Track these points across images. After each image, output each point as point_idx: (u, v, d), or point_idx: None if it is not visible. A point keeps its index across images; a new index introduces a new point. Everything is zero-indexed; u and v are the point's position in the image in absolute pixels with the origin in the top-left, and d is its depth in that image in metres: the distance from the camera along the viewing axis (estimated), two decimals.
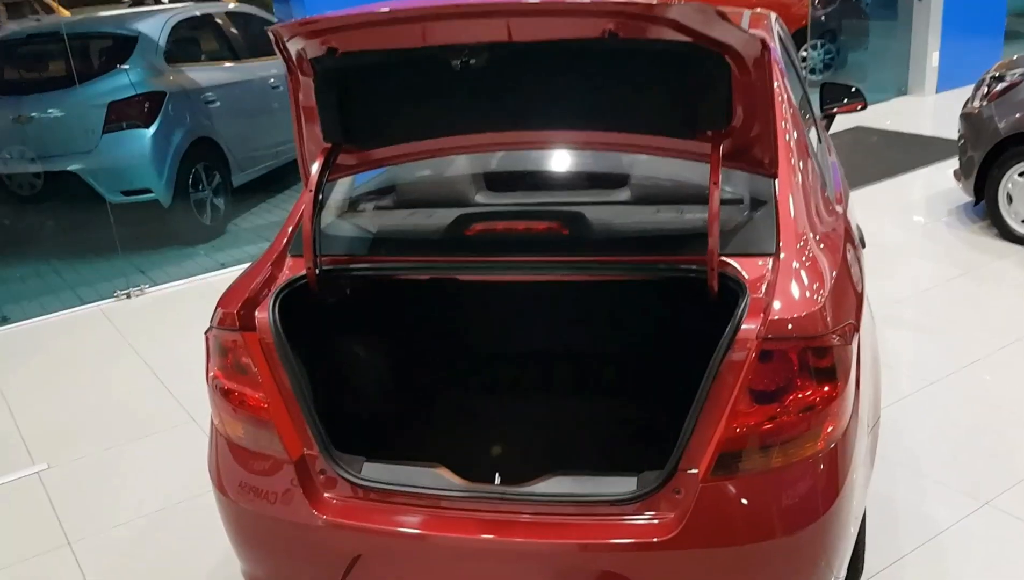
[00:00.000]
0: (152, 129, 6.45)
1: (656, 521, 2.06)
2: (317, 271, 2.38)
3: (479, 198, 2.76)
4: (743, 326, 2.00)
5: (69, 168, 6.48)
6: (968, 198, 5.97)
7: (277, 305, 2.29)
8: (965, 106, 5.97)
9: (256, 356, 2.27)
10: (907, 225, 6.18)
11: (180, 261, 6.50)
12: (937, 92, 10.09)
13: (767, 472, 2.02)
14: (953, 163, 6.19)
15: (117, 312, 5.69)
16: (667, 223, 2.45)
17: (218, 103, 7.04)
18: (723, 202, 2.24)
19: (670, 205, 2.55)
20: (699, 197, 2.47)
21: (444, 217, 2.56)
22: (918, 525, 3.10)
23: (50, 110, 6.53)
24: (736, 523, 2.03)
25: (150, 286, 5.97)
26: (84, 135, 6.42)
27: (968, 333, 4.50)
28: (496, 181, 2.87)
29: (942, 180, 6.75)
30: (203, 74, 7.14)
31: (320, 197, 2.40)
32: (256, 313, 2.30)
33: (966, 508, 3.17)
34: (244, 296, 2.33)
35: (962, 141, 5.86)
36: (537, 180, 2.96)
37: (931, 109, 9.66)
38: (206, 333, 2.38)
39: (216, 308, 2.35)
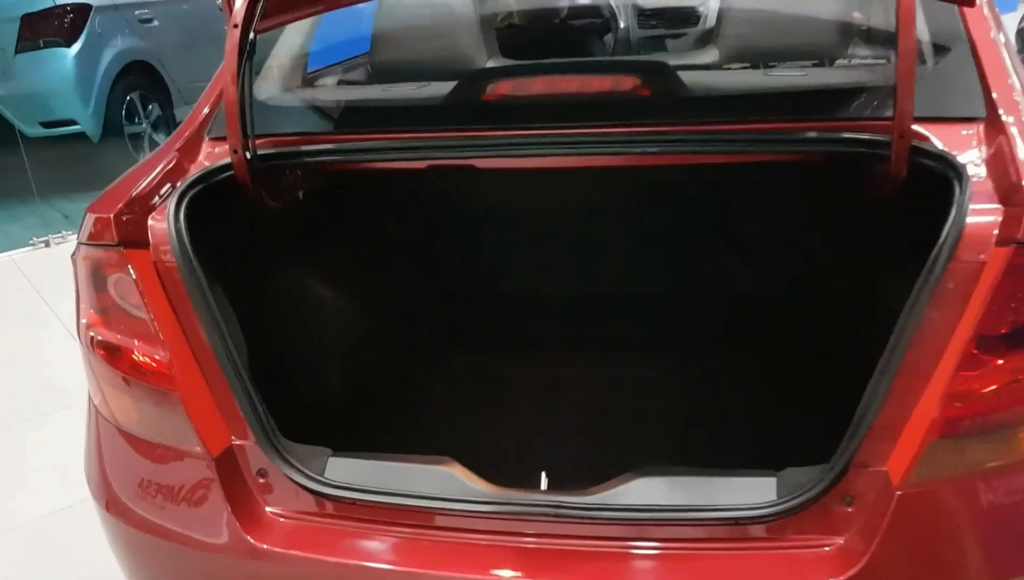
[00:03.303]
0: (75, 48, 5.54)
1: (817, 552, 1.25)
2: (248, 156, 1.50)
3: (491, 64, 1.89)
4: (969, 222, 1.18)
5: None
6: None
7: (184, 207, 1.43)
8: None
9: (150, 288, 1.42)
10: None
11: None
12: None
13: (1016, 470, 1.20)
14: None
15: (32, 262, 4.81)
16: (799, 81, 1.60)
17: (156, 22, 6.09)
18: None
19: (785, 67, 1.70)
20: (829, 55, 1.66)
21: (443, 86, 1.69)
22: None
23: None
24: (963, 557, 1.22)
25: (73, 233, 5.04)
26: None
27: None
28: (512, 41, 2.00)
29: None
30: None
31: (254, 38, 1.52)
32: (150, 220, 1.44)
33: None
34: (131, 194, 1.47)
35: None
36: (570, 40, 2.09)
37: None
38: (72, 256, 1.52)
39: (86, 214, 1.49)
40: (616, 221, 2.08)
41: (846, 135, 1.37)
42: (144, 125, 5.98)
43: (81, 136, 5.68)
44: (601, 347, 2.16)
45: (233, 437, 1.43)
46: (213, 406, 1.43)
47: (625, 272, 2.17)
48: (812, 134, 1.38)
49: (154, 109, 6.08)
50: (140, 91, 5.98)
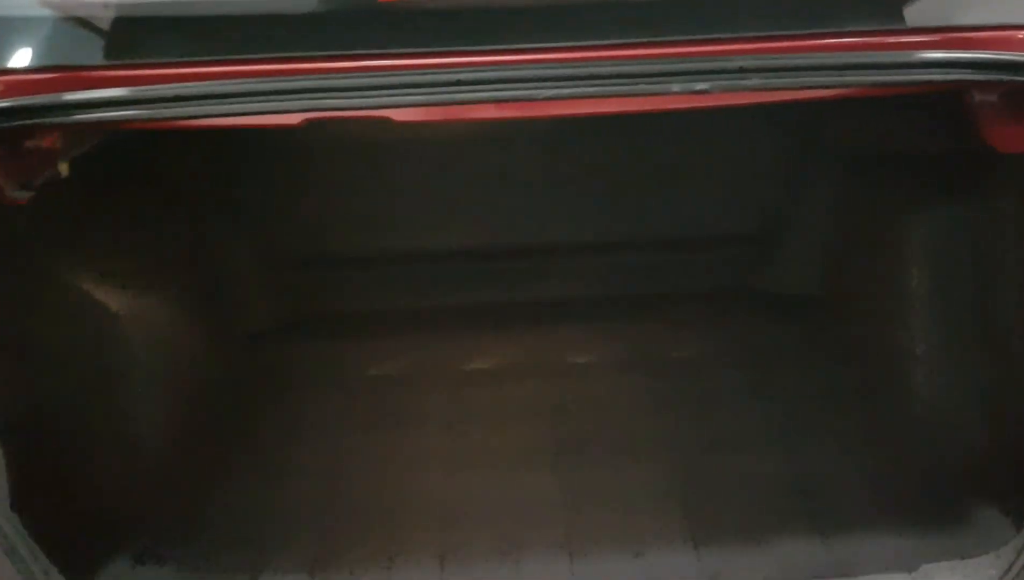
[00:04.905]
0: None
1: None
2: None
3: None
4: None
5: None
6: None
7: None
8: None
9: None
10: None
11: None
12: None
13: None
14: None
15: None
16: None
17: None
18: None
19: None
20: None
21: None
22: None
23: None
24: None
25: None
26: None
27: None
28: None
29: None
30: None
31: None
32: None
33: None
34: None
35: None
36: None
37: None
38: None
39: None
40: (544, 148, 1.55)
41: (974, 56, 0.86)
42: None
43: None
44: (530, 319, 1.63)
45: None
46: None
47: (555, 216, 1.65)
48: (934, 56, 0.86)
49: None
50: None
